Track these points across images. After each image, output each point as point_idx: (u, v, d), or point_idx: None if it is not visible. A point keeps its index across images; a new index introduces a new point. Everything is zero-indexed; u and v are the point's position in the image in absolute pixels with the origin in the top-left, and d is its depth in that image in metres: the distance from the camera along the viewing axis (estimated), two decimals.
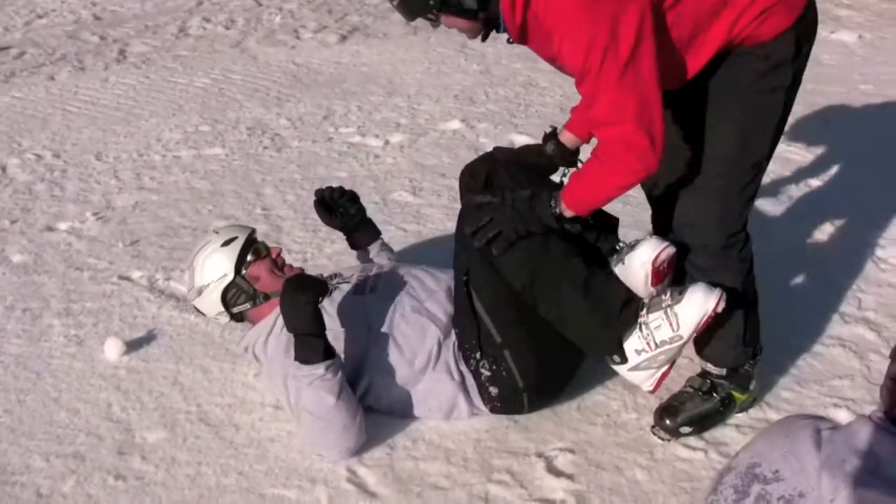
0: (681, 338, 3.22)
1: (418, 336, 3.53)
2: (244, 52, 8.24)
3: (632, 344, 3.30)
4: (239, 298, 3.72)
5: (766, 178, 5.20)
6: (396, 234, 4.89)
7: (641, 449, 3.38)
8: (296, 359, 3.32)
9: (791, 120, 6.11)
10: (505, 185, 3.46)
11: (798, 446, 1.99)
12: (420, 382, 3.52)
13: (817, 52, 7.76)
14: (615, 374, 3.60)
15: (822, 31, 8.60)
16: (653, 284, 3.33)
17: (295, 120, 6.63)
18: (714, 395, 3.47)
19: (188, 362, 3.97)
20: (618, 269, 3.40)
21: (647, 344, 3.27)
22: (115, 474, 3.35)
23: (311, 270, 4.02)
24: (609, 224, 3.62)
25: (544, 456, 3.37)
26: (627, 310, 3.29)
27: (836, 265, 4.53)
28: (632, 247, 3.38)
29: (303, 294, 3.31)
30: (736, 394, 3.48)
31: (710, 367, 3.50)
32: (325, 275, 3.93)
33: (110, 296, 4.49)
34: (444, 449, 3.41)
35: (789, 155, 5.77)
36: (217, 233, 3.85)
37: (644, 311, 3.28)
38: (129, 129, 6.59)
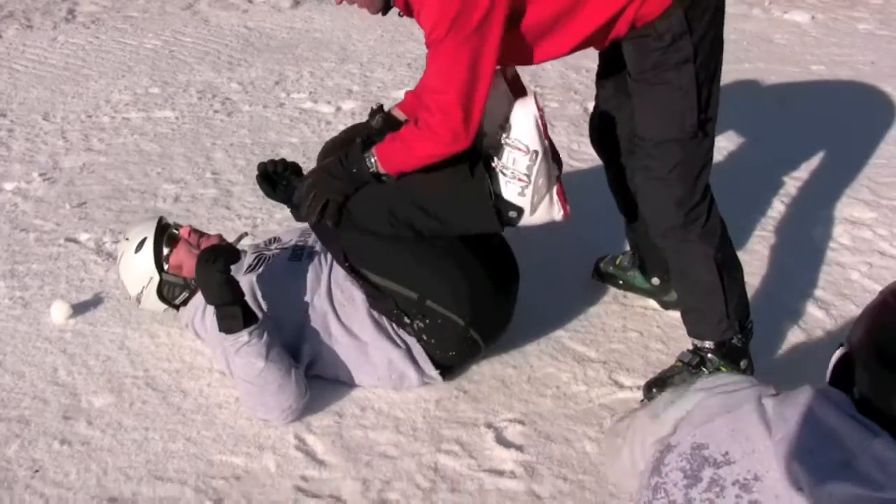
0: (536, 152, 3.32)
1: (352, 306, 3.54)
2: (196, 15, 8.16)
3: (511, 191, 3.38)
4: (174, 292, 3.75)
5: (719, 156, 5.27)
6: None
7: (591, 421, 3.39)
8: (220, 330, 3.33)
9: (743, 98, 6.20)
10: None
11: (743, 423, 1.98)
12: (366, 351, 3.51)
13: (770, 31, 7.89)
14: (564, 346, 3.63)
15: (774, 11, 8.75)
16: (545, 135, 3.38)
17: (246, 84, 6.57)
18: (703, 369, 3.50)
19: (136, 327, 3.93)
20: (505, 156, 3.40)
21: (520, 180, 3.35)
22: (61, 439, 3.31)
23: (261, 236, 4.00)
24: None
25: (494, 426, 3.37)
26: (476, 174, 3.36)
27: (786, 244, 4.57)
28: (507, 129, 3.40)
29: (212, 266, 3.34)
30: (725, 369, 3.49)
31: (697, 342, 3.53)
32: (265, 240, 3.93)
33: (57, 258, 4.43)
34: (393, 418, 3.41)
35: (741, 132, 5.81)
36: (127, 239, 3.82)
37: (493, 160, 3.37)
38: (77, 89, 6.50)
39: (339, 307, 3.53)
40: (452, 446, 3.27)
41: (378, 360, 3.51)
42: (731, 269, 3.47)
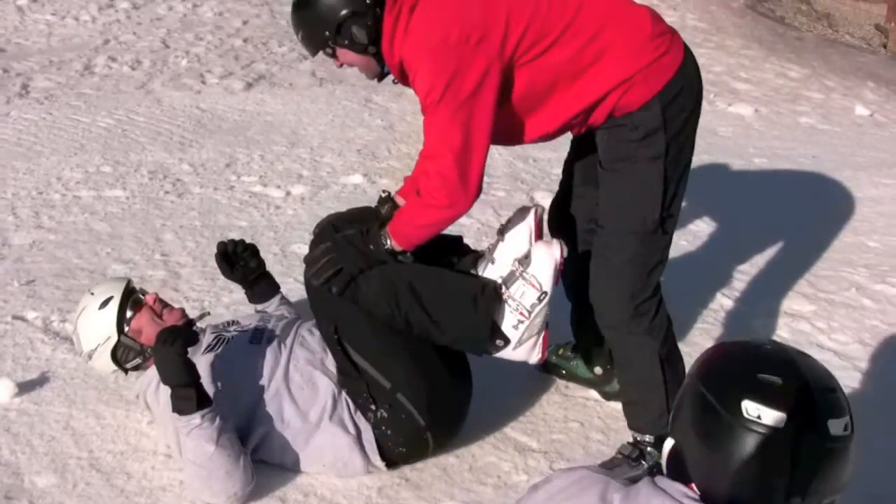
0: (546, 293, 3.44)
1: (311, 389, 3.59)
2: (149, 95, 8.22)
3: (508, 321, 3.49)
4: (128, 356, 3.77)
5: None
6: (295, 286, 4.91)
7: None
8: (173, 410, 3.35)
9: (688, 193, 6.32)
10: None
11: None
12: (314, 436, 3.55)
13: (714, 123, 8.08)
14: (506, 435, 3.71)
15: (719, 104, 8.96)
16: (536, 237, 3.53)
17: (197, 166, 6.63)
18: (643, 462, 3.56)
19: (81, 407, 3.95)
20: (497, 255, 3.55)
21: (521, 313, 3.46)
22: None
23: (208, 319, 4.05)
24: (454, 246, 3.78)
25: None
26: (486, 294, 3.45)
27: (726, 337, 4.68)
28: (502, 230, 3.60)
29: (171, 347, 3.37)
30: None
31: (637, 435, 3.61)
32: (224, 321, 3.99)
33: (3, 336, 4.45)
34: None
35: (682, 224, 5.94)
36: (93, 294, 3.85)
37: (503, 288, 3.46)
38: (29, 165, 6.53)
39: (297, 390, 3.58)
40: None
41: (326, 445, 3.54)
42: (673, 365, 3.56)
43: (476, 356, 3.71)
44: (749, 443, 1.92)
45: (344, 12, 3.34)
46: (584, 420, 4.00)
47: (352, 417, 3.56)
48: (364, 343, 3.52)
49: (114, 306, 3.75)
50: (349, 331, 3.52)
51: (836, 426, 1.92)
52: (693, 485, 2.02)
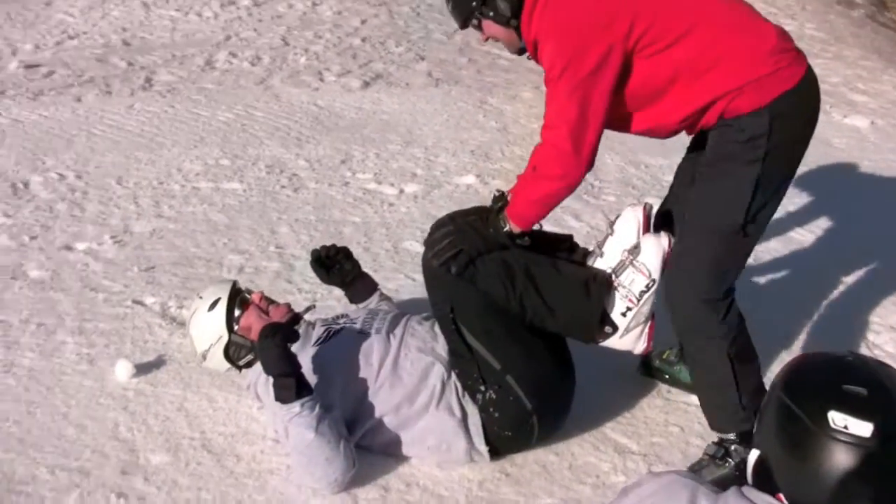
0: (654, 281, 3.55)
1: (422, 374, 3.67)
2: (268, 90, 8.38)
3: (617, 308, 3.60)
4: (240, 352, 3.90)
5: (768, 257, 5.38)
6: (406, 282, 5.02)
7: None
8: (275, 399, 3.49)
9: (798, 201, 6.29)
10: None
11: None
12: (421, 419, 3.65)
13: (829, 134, 7.98)
14: (607, 436, 3.75)
15: (835, 115, 8.84)
16: (644, 231, 3.63)
17: (313, 161, 6.76)
18: (729, 460, 3.58)
19: (195, 390, 4.09)
20: (606, 248, 3.67)
21: (630, 300, 3.57)
22: (118, 492, 3.46)
23: (321, 311, 4.15)
24: (565, 241, 3.87)
25: None
26: (598, 281, 3.58)
27: (828, 347, 4.63)
28: (612, 224, 3.72)
29: (271, 340, 3.52)
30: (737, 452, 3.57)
31: (721, 435, 3.63)
32: (334, 315, 4.09)
33: (123, 318, 4.61)
34: (437, 495, 3.53)
35: (792, 235, 5.91)
36: (201, 297, 4.02)
37: (614, 276, 3.57)
38: (151, 156, 6.72)
39: (407, 377, 3.67)
40: None
41: (432, 428, 3.64)
42: (745, 362, 3.56)
43: (584, 345, 3.77)
44: (837, 454, 1.93)
45: None
46: (684, 425, 4.02)
47: (459, 401, 3.64)
48: (478, 324, 3.60)
49: (222, 307, 3.91)
50: (465, 312, 3.60)
51: None
52: (780, 495, 2.04)
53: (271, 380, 3.54)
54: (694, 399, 4.16)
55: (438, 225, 3.69)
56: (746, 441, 3.53)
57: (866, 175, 7.29)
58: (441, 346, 3.74)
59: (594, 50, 3.25)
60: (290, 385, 3.47)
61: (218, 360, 3.94)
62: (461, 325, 3.60)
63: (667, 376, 4.23)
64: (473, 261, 3.51)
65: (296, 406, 3.45)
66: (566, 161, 3.36)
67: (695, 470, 3.60)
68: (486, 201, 3.85)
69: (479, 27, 3.57)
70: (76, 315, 4.62)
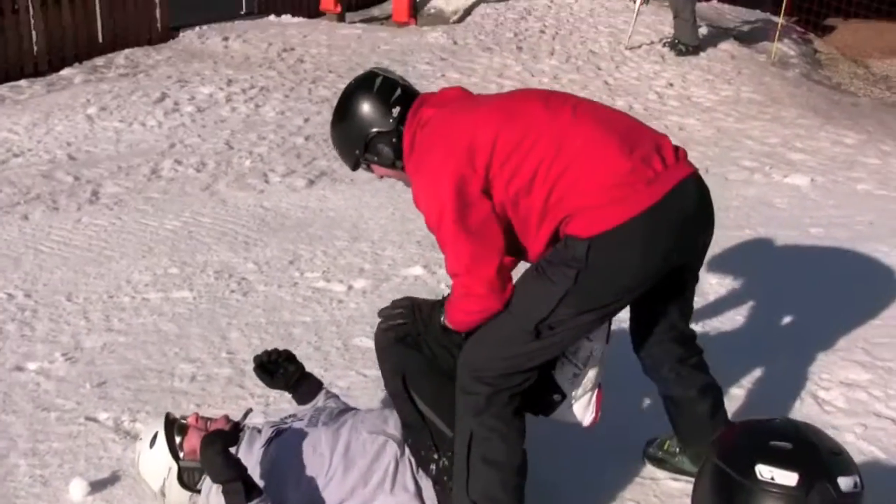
0: (598, 347, 3.66)
1: (375, 454, 3.74)
2: (214, 196, 8.44)
3: (564, 374, 3.68)
4: (195, 476, 3.91)
5: (711, 319, 5.47)
6: (357, 379, 5.05)
7: None
8: None
9: (742, 260, 6.41)
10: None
11: None
12: (377, 499, 3.69)
13: (770, 195, 8.13)
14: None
15: (775, 176, 9.05)
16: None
17: (262, 264, 6.81)
18: None
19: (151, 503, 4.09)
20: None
21: (576, 366, 3.66)
22: None
23: (273, 415, 4.17)
24: None
25: None
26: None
27: (779, 406, 4.72)
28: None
29: (210, 448, 3.58)
30: None
31: None
32: (281, 417, 4.13)
33: (76, 436, 4.61)
34: None
35: (738, 296, 6.02)
36: (141, 439, 4.04)
37: None
38: (100, 270, 6.74)
39: (360, 459, 3.73)
40: None
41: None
42: (488, 464, 3.51)
43: (533, 418, 3.81)
44: (765, 503, 2.00)
45: (371, 131, 3.62)
46: (640, 499, 4.06)
47: (413, 476, 3.70)
48: (428, 389, 3.69)
49: (161, 439, 3.93)
50: (414, 378, 3.69)
51: (846, 483, 2.01)
52: None
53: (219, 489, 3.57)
54: (649, 472, 4.25)
55: (395, 303, 3.87)
56: None
57: (809, 234, 7.42)
58: (393, 426, 3.81)
59: (450, 190, 3.35)
60: (237, 489, 3.51)
61: (176, 492, 3.93)
62: (412, 392, 3.69)
63: (668, 466, 4.27)
64: (420, 333, 3.69)
65: None
66: (481, 300, 3.47)
67: None
68: (434, 291, 3.96)
69: (368, 169, 3.76)
70: (28, 436, 4.61)
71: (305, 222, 7.73)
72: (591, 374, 3.70)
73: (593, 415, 3.78)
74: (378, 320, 3.93)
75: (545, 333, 3.40)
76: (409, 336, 3.76)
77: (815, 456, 2.04)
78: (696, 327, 5.36)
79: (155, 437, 3.95)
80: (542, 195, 3.35)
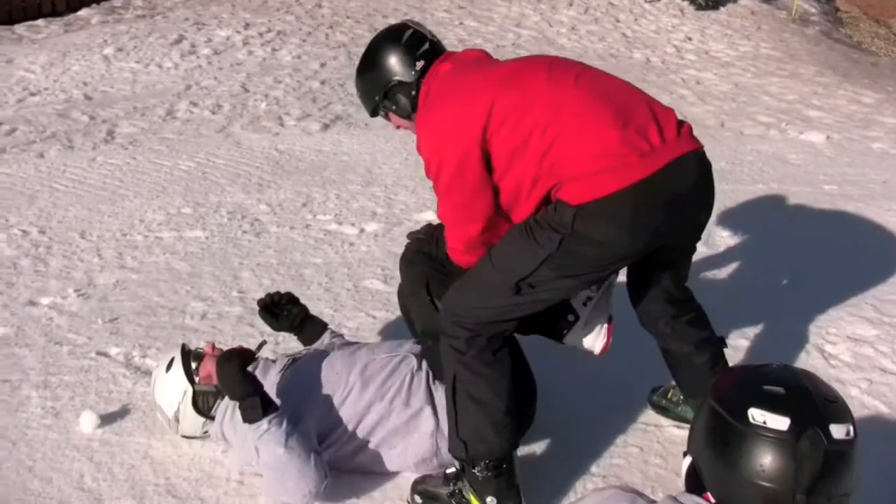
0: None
1: (392, 370, 3.86)
2: (229, 137, 8.46)
3: (578, 298, 3.79)
4: (209, 400, 3.96)
5: (721, 272, 5.48)
6: (366, 320, 5.09)
7: None
8: (244, 421, 3.61)
9: (754, 215, 6.41)
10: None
11: None
12: (391, 415, 3.79)
13: (785, 151, 8.12)
14: (566, 458, 3.82)
15: (791, 132, 9.00)
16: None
17: (275, 206, 6.83)
18: (451, 484, 3.64)
19: (160, 437, 4.13)
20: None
21: (589, 289, 3.78)
22: None
23: (278, 350, 4.20)
24: None
25: None
26: None
27: (785, 359, 4.71)
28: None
29: (228, 364, 3.69)
30: (472, 497, 3.58)
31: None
32: (295, 351, 4.19)
33: (88, 370, 4.65)
34: None
35: (750, 250, 6.02)
36: (157, 367, 4.10)
37: None
38: (113, 208, 6.78)
39: (378, 373, 3.86)
40: None
41: (401, 417, 3.79)
42: (476, 402, 3.52)
43: (546, 369, 3.92)
44: (756, 447, 2.03)
45: (393, 80, 3.68)
46: (643, 445, 4.09)
47: (429, 386, 3.82)
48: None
49: (178, 363, 4.00)
50: (438, 288, 3.78)
51: (838, 430, 2.03)
52: (707, 494, 2.12)
53: (237, 412, 3.66)
54: (652, 419, 4.27)
55: (421, 228, 4.15)
56: (463, 475, 3.59)
57: (822, 191, 7.40)
58: (408, 349, 3.94)
59: (453, 151, 3.40)
60: (255, 404, 3.60)
61: (191, 418, 3.97)
62: (434, 299, 3.77)
63: (672, 415, 4.29)
64: (435, 253, 3.91)
65: (263, 423, 3.58)
66: (457, 256, 3.64)
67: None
68: None
69: (386, 117, 3.82)
70: (41, 369, 4.66)
71: (319, 166, 7.75)
72: (604, 299, 3.82)
73: (605, 341, 3.87)
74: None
75: (525, 290, 3.42)
76: (430, 252, 3.92)
77: (808, 402, 2.06)
78: (705, 279, 5.41)
79: (171, 361, 4.02)
80: (535, 158, 3.35)
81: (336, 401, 3.79)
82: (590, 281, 3.56)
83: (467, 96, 3.43)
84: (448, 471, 3.66)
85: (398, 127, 3.85)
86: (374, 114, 3.84)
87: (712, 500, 2.12)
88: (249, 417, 3.59)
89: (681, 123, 3.48)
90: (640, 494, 2.28)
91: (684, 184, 3.40)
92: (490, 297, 3.46)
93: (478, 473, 3.51)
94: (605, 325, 3.86)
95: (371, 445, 3.81)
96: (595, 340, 3.86)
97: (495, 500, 3.52)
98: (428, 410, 3.76)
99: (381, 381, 3.82)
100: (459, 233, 3.56)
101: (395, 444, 3.81)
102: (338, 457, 3.78)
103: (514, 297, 3.43)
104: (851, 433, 2.05)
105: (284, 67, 10.55)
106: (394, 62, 3.66)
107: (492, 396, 3.49)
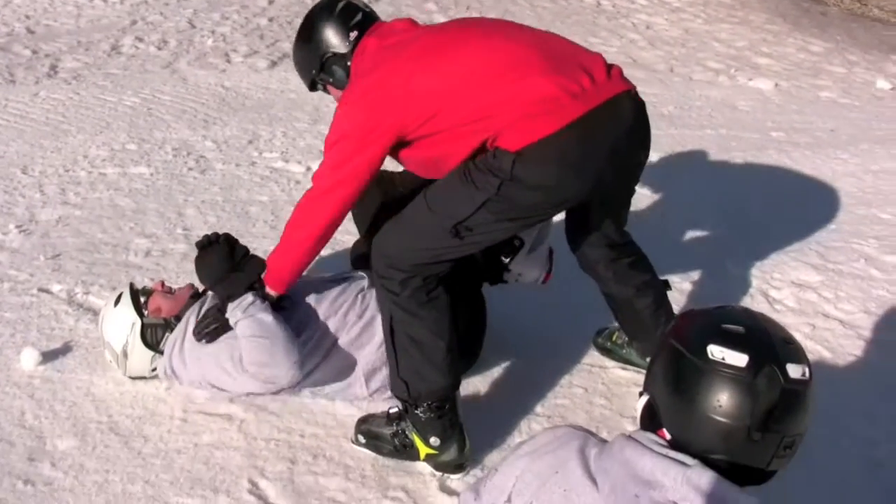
0: None
1: (342, 289, 3.96)
2: (174, 74, 8.36)
3: None
4: (157, 333, 3.93)
5: (667, 216, 5.51)
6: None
7: None
8: (226, 300, 3.68)
9: (701, 159, 6.43)
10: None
11: (572, 481, 2.17)
12: (345, 329, 3.85)
13: (734, 98, 8.16)
14: (510, 398, 3.83)
15: (739, 78, 9.05)
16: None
17: (220, 143, 6.76)
18: (394, 424, 3.64)
19: (102, 374, 4.08)
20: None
21: None
22: (25, 479, 3.46)
23: None
24: None
25: (438, 476, 3.55)
26: None
27: (729, 302, 4.75)
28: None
29: (209, 247, 3.79)
30: (415, 437, 3.58)
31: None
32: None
33: (29, 307, 4.59)
34: (343, 465, 3.58)
35: (696, 194, 6.05)
36: (104, 304, 4.10)
37: None
38: (56, 144, 6.67)
39: (328, 293, 3.93)
40: (398, 493, 3.46)
41: (378, 338, 3.81)
42: (412, 337, 3.52)
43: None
44: (714, 382, 2.04)
45: (328, 52, 3.68)
46: (587, 386, 4.11)
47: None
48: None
49: (126, 296, 3.99)
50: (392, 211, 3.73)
51: (794, 370, 2.04)
52: (663, 430, 2.13)
53: (188, 339, 3.75)
54: (597, 360, 4.30)
55: None
56: (406, 416, 3.59)
57: (770, 137, 7.44)
58: (358, 276, 4.02)
59: (364, 129, 3.37)
60: (238, 279, 3.68)
61: (139, 352, 3.93)
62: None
63: (617, 357, 4.31)
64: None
65: (248, 296, 3.64)
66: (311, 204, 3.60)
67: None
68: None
69: (325, 90, 3.82)
70: None
71: (266, 103, 7.68)
72: (546, 227, 3.91)
73: (548, 266, 3.99)
74: None
75: (463, 233, 3.41)
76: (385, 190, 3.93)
77: (767, 341, 2.08)
78: (651, 222, 5.43)
79: (119, 297, 4.00)
80: (466, 118, 3.32)
81: (293, 323, 3.77)
82: (529, 224, 3.55)
83: (383, 80, 3.39)
84: (391, 410, 3.65)
85: (337, 99, 3.79)
86: (312, 87, 3.84)
87: (668, 436, 2.13)
88: (231, 292, 3.66)
89: (610, 66, 3.48)
90: (592, 434, 2.29)
91: (619, 125, 3.40)
92: (426, 239, 3.45)
93: (420, 414, 3.51)
94: (547, 253, 3.94)
95: (329, 359, 3.83)
96: (539, 268, 3.94)
97: (439, 441, 3.52)
98: (379, 319, 3.74)
99: (333, 298, 3.88)
100: (331, 195, 3.51)
101: (349, 356, 3.84)
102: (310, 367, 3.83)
103: (451, 240, 3.42)
104: (807, 374, 2.07)
105: (232, 4, 10.42)
106: (328, 34, 3.67)
107: (430, 336, 3.49)
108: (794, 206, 6.03)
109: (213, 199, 5.86)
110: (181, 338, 3.81)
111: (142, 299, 3.97)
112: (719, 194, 6.16)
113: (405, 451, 3.60)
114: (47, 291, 4.74)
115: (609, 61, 3.50)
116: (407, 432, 3.57)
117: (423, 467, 3.58)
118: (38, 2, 10.17)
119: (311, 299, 3.88)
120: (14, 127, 6.99)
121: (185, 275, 4.83)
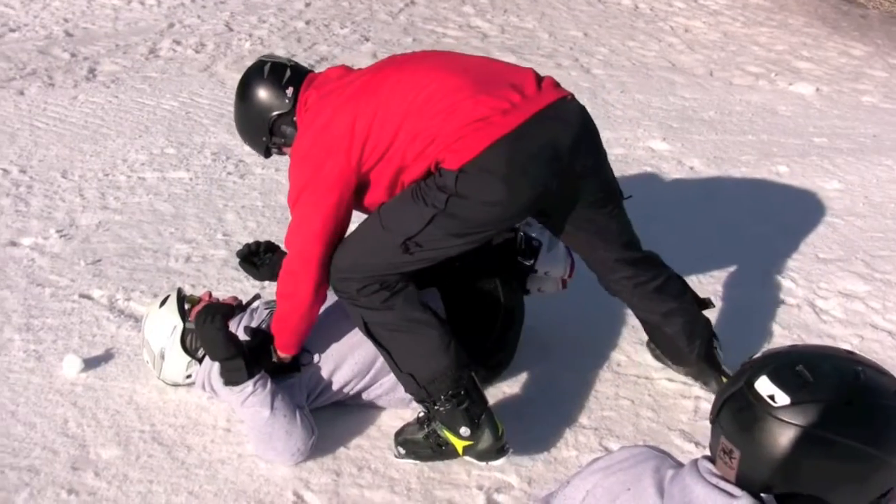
0: None
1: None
2: (212, 77, 8.34)
3: (533, 226, 3.93)
4: (196, 340, 3.89)
5: (711, 225, 5.44)
6: None
7: None
8: (225, 384, 3.58)
9: (743, 166, 6.35)
10: None
11: (643, 500, 2.12)
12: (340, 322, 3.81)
13: (774, 103, 8.08)
14: (557, 411, 3.78)
15: (780, 83, 8.96)
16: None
17: None
18: (425, 426, 3.62)
19: (144, 382, 4.07)
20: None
21: None
22: (69, 489, 3.45)
23: (267, 297, 4.15)
24: None
25: (485, 489, 3.51)
26: None
27: (776, 312, 4.71)
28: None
29: (210, 324, 3.62)
30: (447, 434, 3.55)
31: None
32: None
33: (70, 313, 4.58)
34: (388, 478, 3.55)
35: (741, 202, 5.98)
36: (149, 304, 4.10)
37: None
38: (95, 148, 6.66)
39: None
40: None
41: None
42: (401, 332, 3.54)
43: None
44: (779, 431, 1.94)
45: (272, 115, 3.70)
46: (634, 397, 4.06)
47: None
48: None
49: (172, 300, 3.97)
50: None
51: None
52: None
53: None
54: (644, 371, 4.24)
55: None
56: (433, 417, 3.57)
57: (812, 143, 7.36)
58: None
59: (318, 180, 3.42)
60: (239, 366, 3.55)
61: (176, 356, 3.91)
62: None
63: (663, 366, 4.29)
64: None
65: (248, 386, 3.55)
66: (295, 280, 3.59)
67: (407, 423, 3.72)
68: None
69: (281, 153, 3.83)
70: (23, 311, 4.58)
71: None
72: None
73: (569, 260, 4.08)
74: None
75: (413, 249, 3.43)
76: None
77: (830, 403, 1.94)
78: (695, 233, 5.36)
79: (166, 299, 3.99)
80: (408, 148, 3.39)
81: (311, 378, 3.78)
82: (477, 240, 3.52)
83: (330, 123, 3.44)
84: (419, 415, 3.64)
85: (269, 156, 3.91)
86: (267, 154, 3.86)
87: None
88: (233, 380, 3.57)
89: (541, 79, 3.54)
90: (670, 455, 2.24)
91: (555, 131, 3.44)
92: (378, 254, 3.48)
93: (441, 409, 3.50)
94: (566, 248, 4.00)
95: (362, 381, 3.83)
96: (563, 262, 4.00)
97: (469, 430, 3.50)
98: None
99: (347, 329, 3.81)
100: (302, 258, 3.53)
101: (382, 378, 3.84)
102: (328, 395, 3.84)
103: (402, 255, 3.45)
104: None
105: (269, 6, 10.40)
106: (266, 98, 3.69)
107: (407, 323, 3.52)
108: (838, 214, 5.95)
109: (253, 203, 5.83)
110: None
111: (186, 306, 3.95)
112: (761, 201, 6.09)
113: (443, 451, 3.58)
114: (88, 297, 4.73)
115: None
116: (438, 431, 3.56)
117: (469, 480, 3.55)
118: (76, 4, 10.16)
119: (342, 319, 3.80)
120: (53, 130, 6.98)
121: (225, 281, 4.82)
